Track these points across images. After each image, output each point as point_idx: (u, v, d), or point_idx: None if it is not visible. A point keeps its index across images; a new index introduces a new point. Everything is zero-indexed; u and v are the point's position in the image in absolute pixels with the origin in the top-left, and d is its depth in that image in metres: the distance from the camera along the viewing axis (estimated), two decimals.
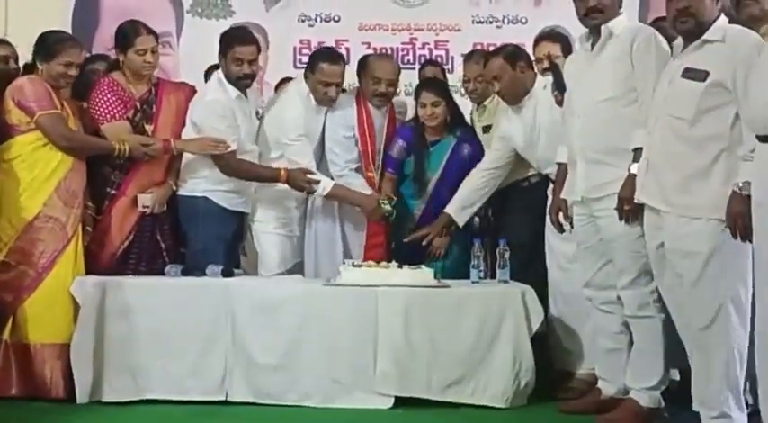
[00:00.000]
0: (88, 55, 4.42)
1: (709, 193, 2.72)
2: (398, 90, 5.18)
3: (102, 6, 5.31)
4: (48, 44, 3.50)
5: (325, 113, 3.94)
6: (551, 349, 3.61)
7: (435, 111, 3.87)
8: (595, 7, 3.11)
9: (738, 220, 2.63)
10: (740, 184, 2.62)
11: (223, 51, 3.74)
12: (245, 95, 3.79)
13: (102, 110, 3.61)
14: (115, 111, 3.61)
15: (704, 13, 2.80)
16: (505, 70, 3.62)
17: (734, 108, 2.71)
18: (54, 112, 3.43)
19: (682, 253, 2.79)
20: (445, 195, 3.87)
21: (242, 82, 3.75)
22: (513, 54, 3.65)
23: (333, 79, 3.82)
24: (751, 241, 2.61)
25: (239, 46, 3.72)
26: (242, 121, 3.75)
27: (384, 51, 5.20)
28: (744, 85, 2.65)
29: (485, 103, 4.00)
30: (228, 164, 3.70)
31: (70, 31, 5.15)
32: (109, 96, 3.62)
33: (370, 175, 3.93)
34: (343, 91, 4.47)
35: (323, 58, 3.86)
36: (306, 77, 3.89)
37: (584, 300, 3.36)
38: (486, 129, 3.95)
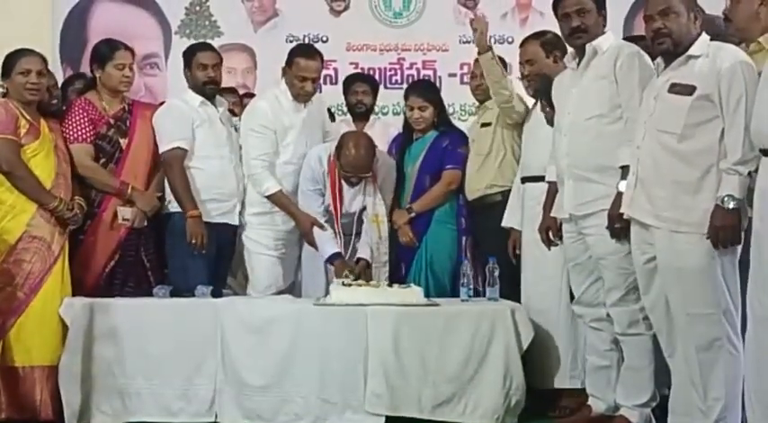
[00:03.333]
0: (72, 73, 4.45)
1: (700, 208, 2.74)
2: (387, 109, 5.27)
3: (90, 28, 5.32)
4: (6, 61, 3.53)
5: (304, 113, 3.90)
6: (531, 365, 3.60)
7: (422, 114, 3.99)
8: (579, 27, 3.14)
9: (720, 234, 2.67)
10: (723, 198, 2.65)
11: (187, 62, 3.83)
12: (213, 103, 3.83)
13: (70, 130, 3.64)
14: (80, 132, 3.65)
15: (680, 33, 2.83)
16: (539, 56, 3.64)
17: (722, 122, 2.73)
18: (7, 137, 3.40)
19: (673, 268, 2.80)
20: (425, 182, 3.96)
21: (208, 88, 3.80)
22: (550, 42, 3.64)
23: (309, 74, 3.83)
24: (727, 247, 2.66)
25: (201, 52, 3.82)
26: (201, 126, 3.76)
27: (372, 72, 5.25)
28: (728, 95, 2.68)
29: (486, 103, 4.01)
30: (170, 163, 3.70)
31: (58, 53, 5.22)
32: (78, 117, 3.66)
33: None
34: (332, 116, 4.50)
35: (299, 53, 3.90)
36: (284, 73, 3.91)
37: (558, 316, 3.43)
38: (484, 125, 3.95)
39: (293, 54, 3.90)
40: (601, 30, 3.18)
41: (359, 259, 3.82)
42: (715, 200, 2.70)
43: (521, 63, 3.78)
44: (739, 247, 2.73)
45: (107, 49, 3.75)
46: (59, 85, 4.13)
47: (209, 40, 5.06)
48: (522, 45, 3.78)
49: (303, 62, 3.83)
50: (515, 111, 3.76)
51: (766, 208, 2.48)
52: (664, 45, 2.85)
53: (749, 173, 2.63)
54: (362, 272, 3.77)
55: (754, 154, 2.60)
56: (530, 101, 3.83)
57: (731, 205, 2.64)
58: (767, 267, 2.43)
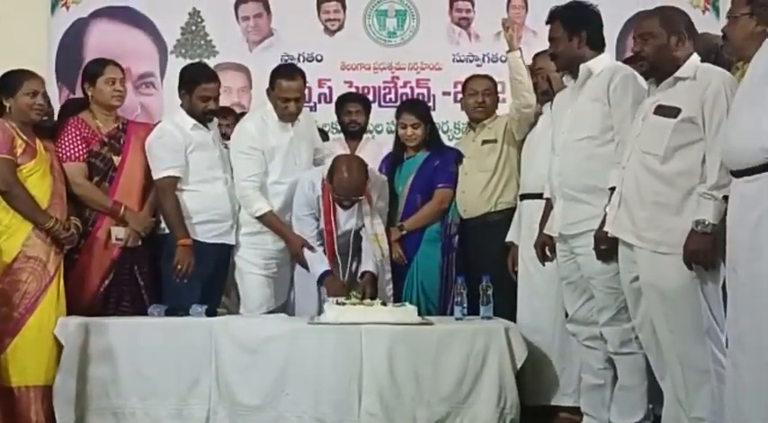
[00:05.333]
0: (73, 97, 4.47)
1: (681, 230, 2.74)
2: (381, 128, 5.29)
3: (86, 47, 5.34)
4: (8, 80, 3.54)
5: (292, 132, 3.91)
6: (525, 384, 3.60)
7: (415, 132, 4.05)
8: (551, 55, 3.28)
9: (693, 258, 2.69)
10: (698, 222, 2.67)
11: (188, 88, 3.80)
12: (206, 125, 3.84)
13: (63, 149, 3.66)
14: (73, 150, 3.66)
15: (656, 56, 2.87)
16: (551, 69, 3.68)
17: (705, 145, 2.75)
18: (4, 156, 3.40)
19: (655, 288, 2.81)
20: (417, 201, 4.01)
21: (207, 117, 3.82)
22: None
23: (291, 94, 3.84)
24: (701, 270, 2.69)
25: (206, 83, 3.80)
26: (195, 149, 3.76)
27: (366, 91, 5.28)
28: (710, 118, 2.70)
29: (484, 121, 4.03)
30: (163, 191, 3.71)
31: (54, 74, 5.23)
32: (71, 136, 3.68)
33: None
34: (325, 135, 4.51)
35: (281, 75, 3.90)
36: (268, 94, 3.92)
37: (553, 333, 3.45)
38: (486, 142, 3.98)
39: (275, 76, 3.91)
40: (578, 52, 3.19)
41: (364, 273, 3.81)
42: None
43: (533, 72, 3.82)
44: (722, 268, 2.72)
45: (96, 66, 3.79)
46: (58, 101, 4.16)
47: (204, 60, 5.09)
48: (533, 60, 3.84)
49: (285, 83, 3.84)
50: (530, 118, 3.78)
51: (737, 231, 2.48)
52: (643, 67, 2.91)
53: (725, 197, 2.64)
54: (370, 285, 3.75)
55: (730, 178, 2.60)
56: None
57: (705, 230, 2.66)
58: (741, 288, 2.44)
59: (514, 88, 3.76)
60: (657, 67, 2.88)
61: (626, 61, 3.40)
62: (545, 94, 3.73)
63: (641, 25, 2.94)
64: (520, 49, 3.74)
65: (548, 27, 3.31)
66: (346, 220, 3.87)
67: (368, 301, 3.55)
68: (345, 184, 3.71)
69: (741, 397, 2.41)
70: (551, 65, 3.63)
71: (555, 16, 3.24)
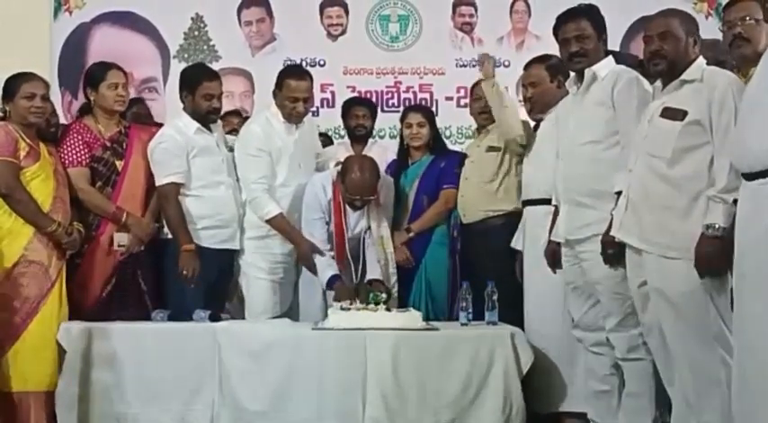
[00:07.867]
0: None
1: (689, 234, 2.72)
2: (383, 132, 5.29)
3: (88, 52, 5.34)
4: (8, 84, 3.53)
5: (297, 135, 3.89)
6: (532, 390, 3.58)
7: (420, 131, 4.05)
8: (578, 52, 3.17)
9: (705, 263, 2.67)
10: (708, 226, 2.65)
11: (190, 88, 3.78)
12: (210, 129, 3.82)
13: (66, 154, 3.65)
14: (75, 155, 3.66)
15: (676, 56, 2.84)
16: (543, 79, 3.66)
17: (712, 148, 2.72)
18: (7, 159, 3.40)
19: (663, 293, 2.79)
20: (423, 203, 4.00)
21: (210, 116, 3.81)
22: (554, 66, 3.65)
23: (300, 94, 3.83)
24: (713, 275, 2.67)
25: (208, 81, 3.79)
26: (198, 154, 3.74)
27: (369, 96, 5.27)
28: (718, 120, 2.68)
29: (488, 126, 4.00)
30: (166, 197, 3.69)
31: (56, 77, 5.24)
32: (73, 141, 3.67)
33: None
34: (329, 139, 4.49)
35: (289, 75, 3.89)
36: (275, 96, 3.91)
37: (560, 339, 3.43)
38: (491, 149, 3.94)
39: (283, 76, 3.90)
40: (601, 55, 3.19)
41: (371, 281, 3.77)
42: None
43: (524, 85, 3.81)
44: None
45: (99, 71, 3.77)
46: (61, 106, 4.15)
47: (207, 64, 5.08)
48: (525, 68, 3.81)
49: (294, 83, 3.83)
50: (517, 143, 3.77)
51: (748, 235, 2.44)
52: (659, 66, 2.87)
53: (735, 201, 2.60)
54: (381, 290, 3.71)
55: (740, 181, 2.56)
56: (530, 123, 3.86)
57: (716, 233, 2.64)
58: (749, 293, 2.41)
59: (501, 119, 3.73)
60: (676, 65, 2.84)
61: (631, 65, 3.39)
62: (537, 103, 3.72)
63: (658, 24, 2.88)
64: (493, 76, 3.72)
65: (550, 31, 3.28)
66: (356, 223, 3.86)
67: (372, 306, 3.52)
68: (358, 184, 3.70)
69: (747, 402, 2.39)
70: (546, 75, 3.62)
71: (582, 14, 3.18)
